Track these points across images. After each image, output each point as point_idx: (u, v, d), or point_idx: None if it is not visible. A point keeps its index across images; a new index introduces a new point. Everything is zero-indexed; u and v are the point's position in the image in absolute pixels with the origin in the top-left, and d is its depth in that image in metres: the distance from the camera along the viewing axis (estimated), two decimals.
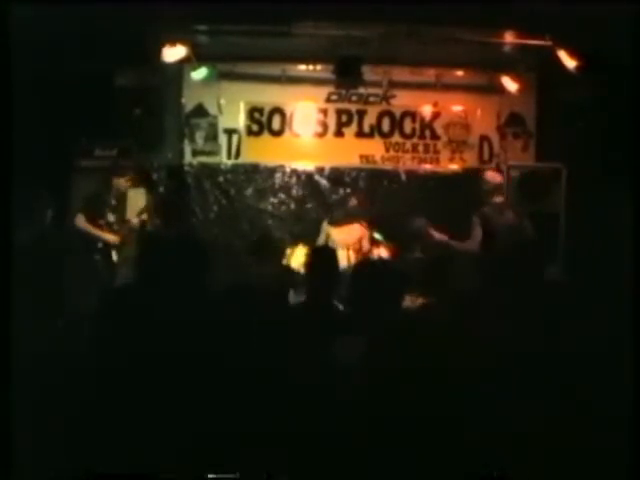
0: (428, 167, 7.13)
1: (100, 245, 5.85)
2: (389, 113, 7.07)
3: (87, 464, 2.50)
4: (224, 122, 6.97)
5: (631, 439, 2.59)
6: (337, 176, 7.17)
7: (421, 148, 7.12)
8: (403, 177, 7.15)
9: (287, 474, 2.52)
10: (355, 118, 7.06)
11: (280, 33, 5.84)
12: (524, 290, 3.02)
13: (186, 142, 6.98)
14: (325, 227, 6.48)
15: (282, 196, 7.17)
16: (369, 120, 7.06)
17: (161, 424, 2.56)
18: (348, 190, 7.09)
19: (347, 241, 6.22)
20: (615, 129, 5.94)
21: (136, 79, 6.54)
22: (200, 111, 6.95)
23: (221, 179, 7.11)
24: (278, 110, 7.01)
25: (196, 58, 6.28)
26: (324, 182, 7.18)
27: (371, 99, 7.02)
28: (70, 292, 4.74)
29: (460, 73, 6.87)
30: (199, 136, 6.99)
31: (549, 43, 5.74)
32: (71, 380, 2.80)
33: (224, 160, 7.04)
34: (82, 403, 2.65)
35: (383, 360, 2.64)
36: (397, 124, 7.08)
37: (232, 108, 6.92)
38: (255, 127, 7.02)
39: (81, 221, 5.80)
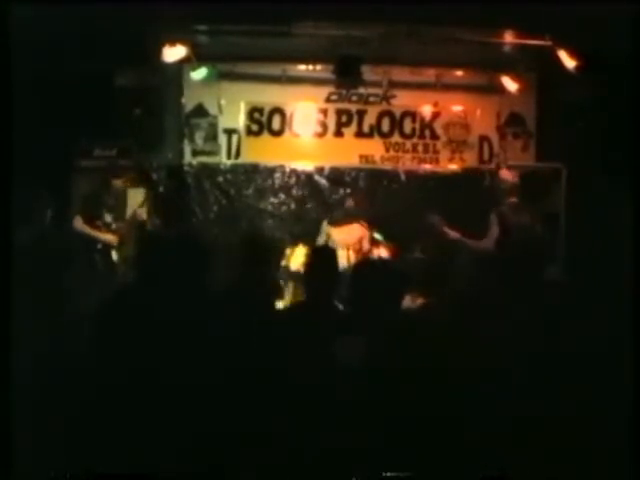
0: (428, 167, 7.12)
1: (100, 245, 5.85)
2: (389, 113, 7.06)
3: (87, 464, 2.50)
4: (224, 122, 6.96)
5: (631, 439, 2.60)
6: (337, 176, 7.16)
7: (421, 148, 7.11)
8: (403, 177, 7.15)
9: (287, 474, 2.53)
10: (355, 118, 7.05)
11: (280, 33, 5.83)
12: (524, 290, 3.02)
13: (186, 142, 6.98)
14: (325, 227, 6.48)
15: (282, 196, 7.16)
16: (369, 120, 7.05)
17: (161, 424, 2.56)
18: (348, 190, 7.08)
19: (347, 241, 6.22)
20: (615, 129, 5.94)
21: (136, 79, 6.54)
22: (200, 111, 6.95)
23: (221, 179, 7.11)
24: (278, 110, 7.00)
25: (196, 58, 6.27)
26: (324, 182, 7.17)
27: (371, 99, 7.01)
28: (70, 292, 4.74)
29: (460, 73, 6.86)
30: (199, 136, 6.98)
31: (549, 43, 5.73)
32: (71, 380, 2.81)
33: (224, 160, 7.03)
34: (82, 403, 2.65)
35: (383, 360, 2.64)
36: (397, 124, 7.07)
37: (232, 108, 6.91)
38: (255, 127, 7.01)
39: (79, 223, 5.79)
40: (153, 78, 6.57)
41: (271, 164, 7.11)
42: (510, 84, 6.60)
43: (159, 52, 5.88)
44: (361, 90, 6.83)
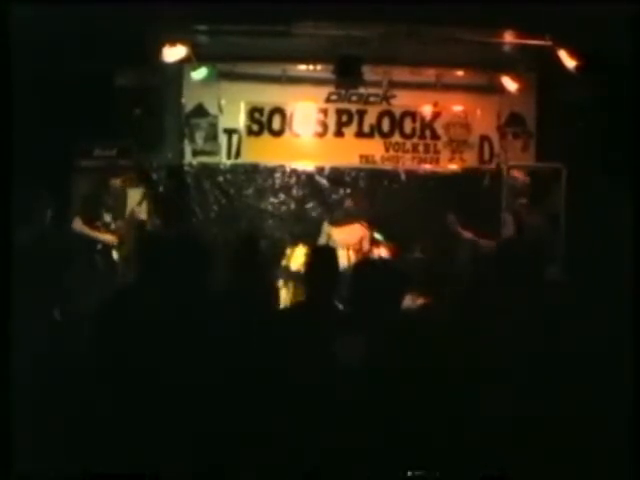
0: (428, 167, 7.12)
1: (100, 245, 5.85)
2: (389, 113, 7.06)
3: (87, 464, 2.50)
4: (224, 122, 6.97)
5: (631, 439, 2.60)
6: (337, 176, 7.17)
7: (421, 148, 7.11)
8: (403, 177, 7.15)
9: (287, 474, 2.53)
10: (355, 118, 7.05)
11: (280, 33, 5.84)
12: (524, 290, 3.01)
13: (186, 142, 6.98)
14: (326, 227, 6.49)
15: (282, 196, 7.17)
16: (369, 120, 7.05)
17: (161, 424, 2.56)
18: (348, 190, 7.09)
19: (348, 241, 6.23)
20: (615, 129, 5.93)
21: (136, 79, 6.54)
22: (200, 111, 6.95)
23: (221, 179, 7.11)
24: (278, 110, 7.01)
25: (196, 58, 6.28)
26: (324, 182, 7.18)
27: (371, 99, 7.01)
28: (70, 292, 4.74)
29: (460, 73, 6.86)
30: (199, 136, 6.99)
31: (549, 43, 5.73)
32: (71, 380, 2.81)
33: (224, 160, 7.04)
34: (82, 403, 2.65)
35: (383, 360, 2.64)
36: (397, 124, 7.07)
37: (232, 108, 6.91)
38: (255, 127, 7.01)
39: (78, 224, 5.79)
40: (153, 78, 6.57)
41: (271, 164, 7.12)
42: (510, 84, 6.60)
43: (159, 52, 5.88)
44: (361, 90, 6.84)
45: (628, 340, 2.82)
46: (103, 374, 2.69)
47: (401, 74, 6.85)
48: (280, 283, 6.00)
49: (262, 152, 7.08)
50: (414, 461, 2.52)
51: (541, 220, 5.85)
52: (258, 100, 6.96)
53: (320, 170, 7.17)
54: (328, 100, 7.03)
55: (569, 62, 5.67)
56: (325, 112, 7.04)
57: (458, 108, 7.06)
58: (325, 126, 7.05)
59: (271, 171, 7.14)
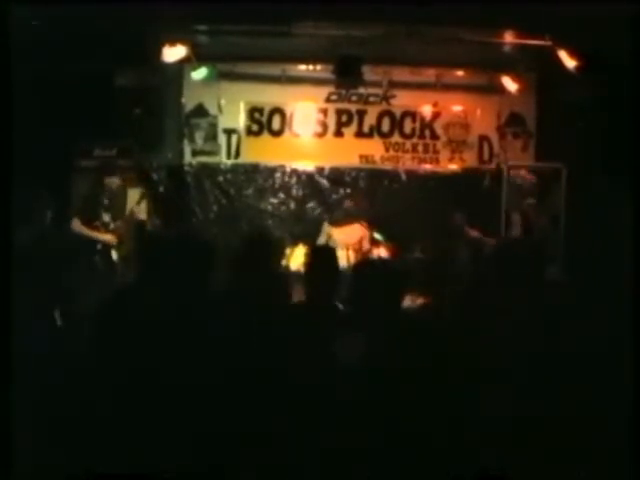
0: (428, 167, 7.13)
1: (100, 245, 5.84)
2: (389, 113, 7.07)
3: (87, 464, 2.50)
4: (224, 122, 6.97)
5: (631, 439, 2.59)
6: (337, 176, 7.17)
7: (421, 148, 7.12)
8: (403, 177, 7.15)
9: (287, 474, 2.52)
10: (355, 118, 7.06)
11: (280, 33, 5.84)
12: (524, 290, 3.01)
13: (186, 142, 6.99)
14: (326, 227, 6.49)
15: (282, 196, 7.17)
16: (369, 120, 7.06)
17: (161, 424, 2.56)
18: (348, 190, 7.09)
19: (347, 241, 6.23)
20: (615, 129, 5.93)
21: (136, 79, 6.54)
22: (200, 111, 6.96)
23: (221, 179, 7.12)
24: (278, 110, 7.01)
25: (196, 58, 6.28)
26: (324, 182, 7.18)
27: (371, 99, 7.02)
28: (70, 292, 4.74)
29: (460, 73, 6.87)
30: (199, 136, 6.99)
31: (549, 43, 5.73)
32: (71, 380, 2.81)
33: (224, 160, 7.04)
34: (82, 403, 2.65)
35: (383, 360, 2.64)
36: (397, 124, 7.08)
37: (232, 108, 6.92)
38: (255, 127, 7.02)
39: (77, 225, 5.78)
40: (153, 78, 6.57)
41: (271, 164, 7.12)
42: (510, 84, 6.60)
43: (159, 52, 5.88)
44: (361, 90, 6.84)
45: (628, 340, 2.82)
46: (103, 374, 2.68)
47: (401, 74, 6.86)
48: (280, 283, 5.99)
49: (262, 152, 7.08)
50: (414, 461, 2.51)
51: (545, 220, 5.87)
52: (258, 100, 6.97)
53: (320, 170, 7.17)
54: (328, 100, 7.03)
55: (569, 62, 5.67)
56: (325, 112, 7.04)
57: (458, 108, 7.07)
58: (325, 126, 7.05)
59: (271, 171, 7.14)
